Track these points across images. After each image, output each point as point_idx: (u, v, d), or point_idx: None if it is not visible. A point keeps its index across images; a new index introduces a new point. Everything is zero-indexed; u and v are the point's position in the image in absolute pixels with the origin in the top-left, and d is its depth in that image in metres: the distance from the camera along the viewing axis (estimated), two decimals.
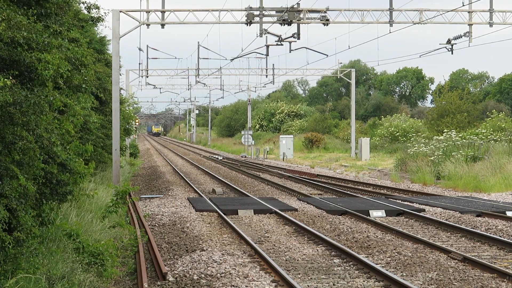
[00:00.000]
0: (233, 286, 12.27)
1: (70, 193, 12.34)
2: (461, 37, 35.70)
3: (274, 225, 20.11)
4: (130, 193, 25.91)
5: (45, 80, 10.23)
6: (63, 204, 13.56)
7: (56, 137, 11.12)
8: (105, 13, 19.88)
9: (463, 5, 34.08)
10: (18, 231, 10.07)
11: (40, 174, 10.83)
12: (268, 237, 17.83)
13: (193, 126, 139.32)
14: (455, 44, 36.90)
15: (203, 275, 12.97)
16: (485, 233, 17.54)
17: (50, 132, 10.90)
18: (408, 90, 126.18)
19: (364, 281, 12.74)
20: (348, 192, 29.33)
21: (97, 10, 18.41)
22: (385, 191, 30.82)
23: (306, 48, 43.43)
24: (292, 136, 68.06)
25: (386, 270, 13.26)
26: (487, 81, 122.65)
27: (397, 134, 65.84)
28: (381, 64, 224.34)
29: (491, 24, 34.44)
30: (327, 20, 33.88)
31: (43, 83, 10.30)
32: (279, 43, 36.36)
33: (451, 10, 34.39)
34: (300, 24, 34.52)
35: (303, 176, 39.42)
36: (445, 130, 45.23)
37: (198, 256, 14.77)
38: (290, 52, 40.59)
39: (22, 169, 10.10)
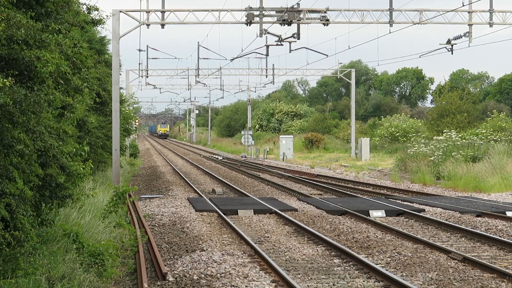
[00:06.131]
0: (233, 286, 12.26)
1: (69, 197, 12.33)
2: (461, 37, 35.69)
3: (274, 225, 20.10)
4: (130, 193, 25.93)
5: (44, 78, 10.23)
6: (63, 206, 13.55)
7: (55, 138, 11.11)
8: (106, 16, 19.83)
9: (463, 5, 34.06)
10: (16, 230, 10.06)
11: (39, 175, 10.81)
12: (268, 237, 17.82)
13: (193, 126, 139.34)
14: (455, 44, 36.91)
15: (203, 275, 12.97)
16: (485, 233, 17.54)
17: (49, 132, 10.89)
18: (408, 90, 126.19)
19: (364, 281, 12.73)
20: (348, 192, 29.33)
21: (96, 12, 18.38)
22: (385, 191, 30.82)
23: (306, 48, 43.45)
24: (292, 136, 68.05)
25: (386, 270, 13.25)
26: (487, 81, 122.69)
27: (397, 134, 65.83)
28: (381, 64, 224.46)
29: (491, 24, 34.43)
30: (327, 20, 33.87)
31: (42, 81, 10.30)
32: (279, 43, 36.34)
33: (451, 10, 34.39)
34: (300, 24, 34.52)
35: (303, 176, 39.41)
36: (445, 130, 45.20)
37: (198, 256, 14.77)
38: (290, 52, 40.61)
39: (19, 172, 10.09)
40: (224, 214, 21.60)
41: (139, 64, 65.54)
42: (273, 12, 33.74)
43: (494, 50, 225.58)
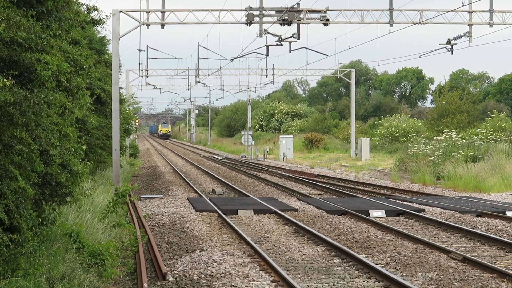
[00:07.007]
0: (233, 286, 12.27)
1: (69, 194, 12.33)
2: (461, 37, 35.69)
3: (274, 225, 20.10)
4: (130, 192, 25.93)
5: (44, 81, 10.23)
6: (63, 204, 13.56)
7: (55, 138, 11.11)
8: (106, 16, 19.85)
9: (463, 5, 34.07)
10: (16, 232, 10.06)
11: (40, 174, 10.81)
12: (268, 237, 17.82)
13: (193, 126, 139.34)
14: (455, 44, 36.91)
15: (203, 275, 12.97)
16: (485, 233, 17.54)
17: (49, 132, 10.89)
18: (408, 90, 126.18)
19: (364, 281, 12.73)
20: (348, 192, 29.33)
21: (96, 12, 18.39)
22: (385, 191, 30.82)
23: (306, 48, 43.44)
24: (292, 136, 68.05)
25: (386, 270, 13.26)
26: (487, 81, 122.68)
27: (397, 134, 65.84)
28: (381, 64, 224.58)
29: (491, 24, 34.43)
30: (327, 20, 33.86)
31: (42, 84, 10.30)
32: (279, 43, 36.33)
33: (451, 10, 34.39)
34: (300, 24, 34.51)
35: (303, 176, 39.41)
36: (445, 130, 45.20)
37: (198, 256, 14.77)
38: (290, 52, 40.61)
39: (21, 170, 10.09)
40: (224, 214, 21.60)
41: (139, 64, 65.57)
42: (273, 12, 33.73)
43: (494, 50, 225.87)
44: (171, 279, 12.78)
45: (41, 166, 10.52)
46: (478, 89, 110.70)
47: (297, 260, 14.71)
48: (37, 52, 10.11)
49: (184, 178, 38.28)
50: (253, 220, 21.30)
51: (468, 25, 34.77)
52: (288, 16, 33.19)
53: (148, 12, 32.94)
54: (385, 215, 22.17)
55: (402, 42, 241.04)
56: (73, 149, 12.36)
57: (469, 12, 34.57)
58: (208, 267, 13.68)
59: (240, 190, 30.74)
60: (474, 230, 17.88)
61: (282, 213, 21.67)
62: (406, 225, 20.04)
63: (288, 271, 13.49)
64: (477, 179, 31.12)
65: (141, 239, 16.03)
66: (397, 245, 16.29)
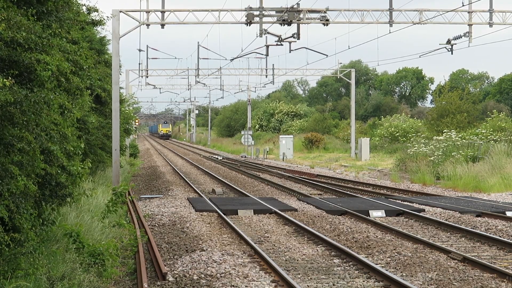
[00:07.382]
0: (233, 286, 12.27)
1: (69, 195, 12.33)
2: (461, 37, 35.71)
3: (274, 225, 20.11)
4: (129, 191, 25.94)
5: (44, 81, 10.23)
6: (63, 205, 13.56)
7: (53, 142, 11.11)
8: (107, 17, 19.87)
9: (463, 5, 34.09)
10: (16, 231, 10.06)
11: (41, 174, 10.82)
12: (268, 237, 17.82)
13: (193, 126, 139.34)
14: (455, 44, 36.92)
15: (203, 275, 12.97)
16: (485, 233, 17.55)
17: (51, 131, 10.90)
18: (408, 90, 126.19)
19: (364, 281, 12.74)
20: (348, 192, 29.33)
21: (96, 13, 18.40)
22: (385, 191, 30.82)
23: (306, 48, 43.43)
24: (292, 136, 68.05)
25: (386, 270, 13.26)
26: (487, 81, 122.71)
27: (397, 134, 65.85)
28: (381, 64, 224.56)
29: (491, 24, 34.44)
30: (327, 20, 33.87)
31: (42, 84, 10.30)
32: (279, 43, 36.34)
33: (451, 10, 34.40)
34: (300, 24, 34.51)
35: (303, 176, 39.41)
36: (445, 130, 45.21)
37: (198, 256, 14.77)
38: (290, 52, 40.61)
39: (22, 169, 10.09)
40: (224, 214, 21.60)
41: (139, 64, 65.58)
42: (273, 12, 33.74)
43: (494, 50, 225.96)
44: (171, 279, 12.78)
45: (43, 164, 10.52)
46: (478, 89, 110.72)
47: (297, 260, 14.71)
48: (37, 52, 10.12)
49: (184, 178, 38.28)
50: (253, 220, 21.30)
51: (468, 25, 34.77)
52: (288, 16, 33.20)
53: (148, 12, 32.96)
54: (385, 215, 22.17)
55: (402, 42, 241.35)
56: (72, 148, 12.34)
57: (469, 12, 34.58)
58: (208, 267, 13.68)
59: (240, 190, 30.74)
60: (474, 230, 17.88)
61: (282, 213, 21.68)
62: (406, 225, 20.05)
63: (288, 271, 13.49)
64: (477, 179, 31.12)
65: (141, 239, 16.03)
66: (397, 245, 16.30)
